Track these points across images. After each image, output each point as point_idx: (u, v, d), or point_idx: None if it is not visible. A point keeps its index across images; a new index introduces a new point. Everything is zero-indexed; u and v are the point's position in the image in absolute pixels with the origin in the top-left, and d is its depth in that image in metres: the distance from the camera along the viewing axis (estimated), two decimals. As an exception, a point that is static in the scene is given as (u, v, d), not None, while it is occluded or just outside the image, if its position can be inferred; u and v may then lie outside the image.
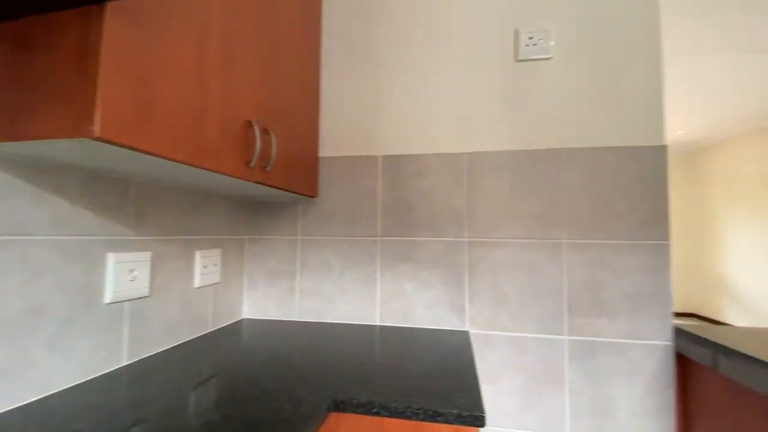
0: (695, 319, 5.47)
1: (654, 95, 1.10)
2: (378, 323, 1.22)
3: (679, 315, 5.63)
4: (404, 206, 1.23)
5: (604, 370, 1.08)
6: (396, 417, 0.66)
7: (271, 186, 0.93)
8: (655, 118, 1.10)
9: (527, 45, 1.17)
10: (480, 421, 0.64)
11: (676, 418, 1.05)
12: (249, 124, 0.81)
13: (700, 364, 1.00)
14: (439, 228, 1.20)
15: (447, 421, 0.65)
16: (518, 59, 1.18)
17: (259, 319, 1.28)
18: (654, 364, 1.06)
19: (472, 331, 1.16)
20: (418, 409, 0.66)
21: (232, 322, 1.24)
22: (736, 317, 4.76)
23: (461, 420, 0.64)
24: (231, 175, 0.75)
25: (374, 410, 0.67)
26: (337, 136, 1.29)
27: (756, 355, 0.82)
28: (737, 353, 0.86)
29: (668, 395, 1.05)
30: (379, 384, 0.75)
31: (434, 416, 0.65)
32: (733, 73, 3.00)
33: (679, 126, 4.45)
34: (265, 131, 0.88)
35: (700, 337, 0.98)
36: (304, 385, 0.73)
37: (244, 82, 0.81)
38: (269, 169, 0.89)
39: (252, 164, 0.80)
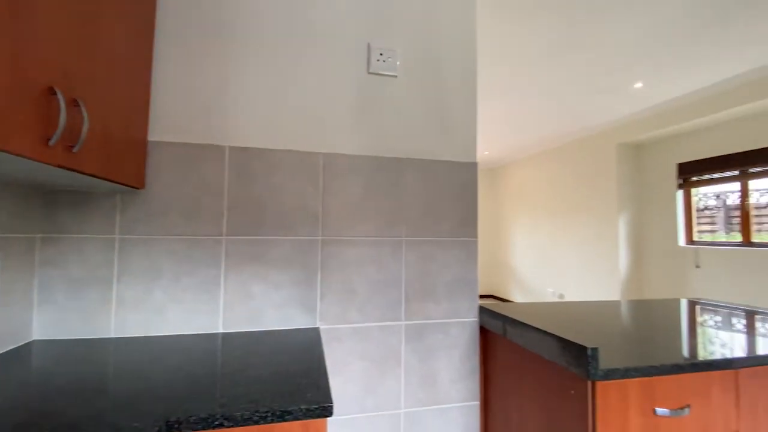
0: (493, 299, 7.00)
1: (470, 122, 1.37)
2: (221, 331, 1.12)
3: (482, 297, 7.10)
4: (255, 203, 1.17)
5: (431, 346, 1.28)
6: (243, 425, 0.63)
7: (79, 172, 0.75)
8: (471, 140, 1.37)
9: (378, 60, 1.28)
10: (328, 411, 0.67)
11: (480, 377, 1.33)
12: (51, 91, 0.63)
13: (495, 333, 1.30)
14: (293, 227, 1.19)
15: (296, 418, 0.65)
16: (370, 71, 1.28)
17: (59, 340, 1.00)
18: (466, 337, 1.32)
19: (323, 327, 1.20)
20: (266, 412, 0.64)
21: (15, 346, 0.93)
22: (518, 295, 6.32)
23: (309, 414, 0.66)
24: (20, 155, 0.57)
25: (216, 423, 0.62)
26: (174, 118, 1.12)
27: (527, 322, 1.12)
28: (516, 322, 1.16)
29: (475, 360, 1.32)
30: (222, 394, 0.70)
31: (283, 416, 0.65)
32: (520, 111, 3.99)
33: (485, 148, 5.63)
34: (73, 102, 0.70)
35: (495, 312, 1.27)
36: (124, 412, 0.62)
37: (46, 39, 0.62)
38: (78, 150, 0.71)
39: (53, 142, 0.63)
